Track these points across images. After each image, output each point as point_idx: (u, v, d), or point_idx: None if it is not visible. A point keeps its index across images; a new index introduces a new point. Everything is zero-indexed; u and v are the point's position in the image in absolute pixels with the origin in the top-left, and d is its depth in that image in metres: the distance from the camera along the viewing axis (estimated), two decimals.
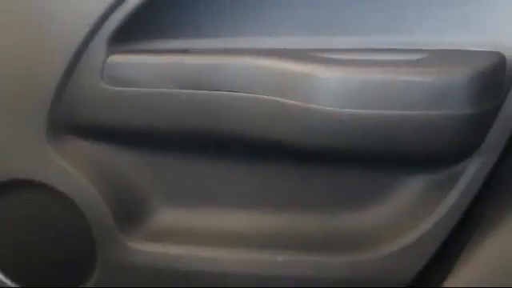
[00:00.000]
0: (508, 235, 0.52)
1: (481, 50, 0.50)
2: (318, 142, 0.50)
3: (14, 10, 0.53)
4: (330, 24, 0.52)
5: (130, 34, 0.53)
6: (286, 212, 0.57)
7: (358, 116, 0.48)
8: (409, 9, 0.51)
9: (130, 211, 0.59)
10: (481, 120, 0.50)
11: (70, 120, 0.55)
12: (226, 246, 0.57)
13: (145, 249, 0.58)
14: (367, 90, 0.48)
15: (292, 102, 0.49)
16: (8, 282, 0.62)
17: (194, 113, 0.52)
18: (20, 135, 0.56)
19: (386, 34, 0.51)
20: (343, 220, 0.57)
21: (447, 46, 0.51)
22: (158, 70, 0.53)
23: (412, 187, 0.56)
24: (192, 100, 0.51)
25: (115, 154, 0.57)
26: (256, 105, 0.50)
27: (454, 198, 0.53)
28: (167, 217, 0.60)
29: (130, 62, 0.53)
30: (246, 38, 0.54)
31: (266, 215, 0.58)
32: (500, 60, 0.50)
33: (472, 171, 0.53)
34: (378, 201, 0.56)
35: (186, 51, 0.52)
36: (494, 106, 0.50)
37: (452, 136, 0.50)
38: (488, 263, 0.53)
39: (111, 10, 0.52)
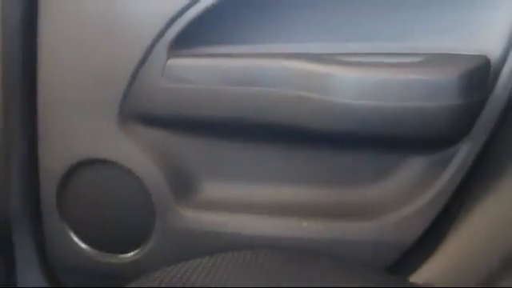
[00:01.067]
0: (493, 206, 0.64)
1: (469, 53, 0.62)
2: (335, 128, 0.63)
3: (97, 24, 0.66)
4: (346, 33, 0.64)
5: (186, 41, 0.65)
6: (309, 186, 0.70)
7: (368, 107, 0.60)
8: (410, 20, 0.63)
9: (183, 185, 0.72)
10: (468, 110, 0.61)
11: (136, 111, 0.69)
12: (261, 213, 0.70)
13: (194, 216, 0.71)
14: (376, 86, 0.60)
15: (314, 95, 0.61)
16: (82, 244, 0.76)
17: (236, 105, 0.65)
18: (97, 123, 0.69)
19: (391, 41, 0.63)
20: (354, 193, 0.69)
21: (441, 51, 0.62)
22: (208, 71, 0.65)
23: (411, 166, 0.68)
24: (236, 95, 0.64)
25: (171, 138, 0.70)
26: (286, 98, 0.63)
27: (447, 176, 0.65)
28: (212, 190, 0.72)
29: (185, 64, 0.66)
30: (279, 44, 0.66)
31: (293, 188, 0.70)
32: (485, 62, 0.61)
33: (463, 153, 0.64)
34: (383, 178, 0.68)
35: (230, 55, 0.65)
36: (479, 100, 0.62)
37: (445, 123, 0.61)
38: (475, 230, 0.65)
39: (170, 23, 0.64)
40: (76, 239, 0.75)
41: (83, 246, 0.76)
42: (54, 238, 0.76)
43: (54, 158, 0.72)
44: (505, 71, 0.61)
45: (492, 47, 0.61)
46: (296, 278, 0.55)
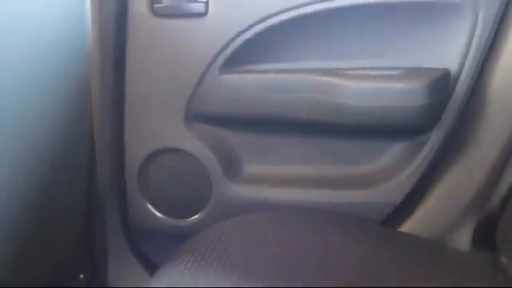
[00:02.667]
0: (455, 175, 0.88)
1: (434, 67, 0.87)
2: (338, 121, 0.88)
3: (172, 48, 0.92)
4: (345, 54, 0.89)
5: (233, 62, 0.91)
6: (320, 165, 0.95)
7: (360, 106, 0.85)
8: (390, 44, 0.88)
9: (232, 166, 0.97)
10: (433, 108, 0.86)
11: (197, 112, 0.95)
12: (288, 185, 0.95)
13: (240, 189, 0.96)
14: (365, 91, 0.86)
15: (324, 98, 0.87)
16: (156, 212, 1.02)
17: (270, 106, 0.90)
18: (169, 121, 0.95)
19: (376, 59, 0.88)
20: (352, 169, 0.94)
21: (413, 65, 0.87)
22: (250, 83, 0.91)
23: (394, 149, 0.93)
24: (270, 99, 0.90)
25: (223, 132, 0.96)
26: (306, 100, 0.88)
27: (422, 156, 0.89)
28: (253, 169, 0.98)
29: (232, 78, 0.92)
30: (300, 62, 0.91)
31: (310, 167, 0.95)
32: (446, 73, 0.86)
33: (433, 139, 0.88)
34: (372, 158, 0.93)
35: (266, 71, 0.91)
36: (442, 100, 0.86)
37: (417, 117, 0.86)
38: (443, 193, 0.89)
39: (221, 50, 0.90)
40: (151, 208, 1.01)
41: (157, 213, 1.01)
42: (135, 208, 1.02)
43: (137, 147, 0.98)
44: (461, 80, 0.86)
45: (451, 62, 0.86)
46: (319, 230, 0.79)
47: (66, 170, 0.86)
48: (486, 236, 0.80)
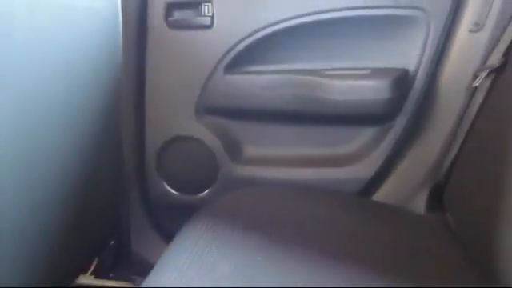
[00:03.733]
0: (413, 152, 1.09)
1: (395, 67, 1.08)
2: (323, 112, 1.09)
3: (184, 53, 1.12)
4: (328, 58, 1.10)
5: (235, 64, 1.11)
6: (309, 148, 1.16)
7: (340, 99, 1.06)
8: (361, 50, 1.09)
9: (234, 150, 1.18)
10: (396, 100, 1.07)
11: (206, 106, 1.15)
12: (283, 164, 1.15)
13: (241, 168, 1.16)
14: (343, 87, 1.06)
15: (312, 94, 1.07)
16: (171, 189, 1.22)
17: (267, 100, 1.10)
18: (182, 113, 1.14)
19: (351, 61, 1.09)
20: (334, 151, 1.15)
21: (379, 66, 1.08)
22: (249, 81, 1.11)
23: (365, 134, 1.14)
24: (267, 94, 1.10)
25: (227, 121, 1.16)
26: (297, 95, 1.09)
27: (387, 140, 1.10)
28: (252, 152, 1.18)
29: (235, 77, 1.12)
30: (292, 64, 1.11)
31: (300, 149, 1.16)
32: (406, 72, 1.07)
33: (397, 126, 1.10)
34: (350, 141, 1.14)
35: (263, 72, 1.11)
36: (403, 94, 1.07)
37: (384, 108, 1.07)
38: (405, 167, 1.11)
39: (225, 54, 1.10)
40: (167, 186, 1.21)
41: (172, 190, 1.21)
42: (154, 186, 1.22)
43: (155, 136, 1.18)
44: (417, 78, 1.07)
45: (410, 64, 1.07)
46: (306, 200, 0.99)
47: (99, 156, 1.06)
48: (436, 201, 1.02)
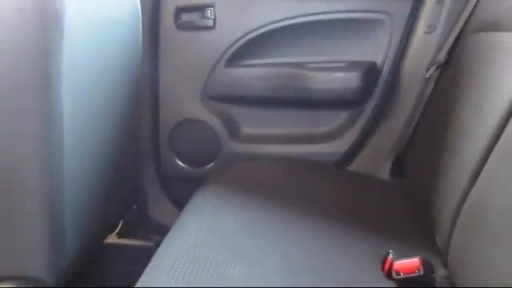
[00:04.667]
0: (382, 133, 1.34)
1: (366, 60, 1.31)
2: (307, 98, 1.33)
3: (191, 47, 1.35)
4: (312, 53, 1.33)
5: (234, 58, 1.34)
6: (297, 126, 1.39)
7: (322, 88, 1.30)
8: (338, 46, 1.32)
9: (234, 130, 1.41)
10: (367, 87, 1.31)
11: (210, 93, 1.38)
12: (273, 142, 1.39)
13: (239, 145, 1.40)
14: (324, 78, 1.30)
15: (297, 83, 1.31)
16: (181, 163, 1.45)
17: (262, 88, 1.33)
18: (191, 99, 1.38)
19: (331, 56, 1.33)
20: (314, 130, 1.38)
21: (353, 59, 1.32)
22: (246, 73, 1.35)
23: (341, 116, 1.38)
24: (261, 84, 1.33)
25: (227, 106, 1.39)
26: (287, 85, 1.32)
27: (360, 121, 1.34)
28: (249, 132, 1.42)
29: (234, 70, 1.35)
30: (282, 58, 1.35)
31: (290, 128, 1.39)
32: (374, 64, 1.31)
33: (367, 109, 1.34)
34: (327, 122, 1.37)
35: (258, 65, 1.34)
36: (372, 82, 1.31)
37: (356, 94, 1.31)
38: (373, 145, 1.35)
39: (226, 50, 1.33)
40: (178, 160, 1.44)
41: (181, 164, 1.44)
42: (166, 160, 1.45)
43: (168, 118, 1.41)
44: (384, 69, 1.31)
45: (377, 57, 1.31)
46: (293, 170, 1.24)
47: (123, 137, 1.28)
48: (397, 169, 1.28)
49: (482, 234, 0.77)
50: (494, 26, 0.97)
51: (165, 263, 0.82)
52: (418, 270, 0.81)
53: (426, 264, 0.83)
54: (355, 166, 1.37)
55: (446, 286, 0.84)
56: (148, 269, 0.83)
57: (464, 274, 0.81)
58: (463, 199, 0.83)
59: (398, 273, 0.82)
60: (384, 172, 1.32)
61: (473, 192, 0.81)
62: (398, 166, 1.28)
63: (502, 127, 0.79)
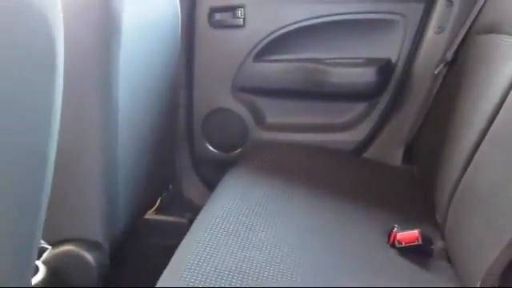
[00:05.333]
0: (394, 124, 1.48)
1: (381, 57, 1.44)
2: (326, 91, 1.47)
3: (223, 46, 1.50)
4: (328, 50, 1.47)
5: (262, 54, 1.48)
6: (316, 116, 1.53)
7: (338, 82, 1.44)
8: (354, 43, 1.45)
9: (260, 118, 1.55)
10: (381, 82, 1.44)
11: (239, 86, 1.52)
12: (294, 131, 1.53)
13: (264, 132, 1.54)
14: (340, 72, 1.44)
15: (317, 77, 1.45)
16: (212, 148, 1.61)
17: (285, 81, 1.48)
18: (223, 91, 1.52)
19: (346, 52, 1.46)
20: (332, 120, 1.51)
21: (369, 56, 1.45)
22: (272, 67, 1.49)
23: (357, 108, 1.51)
24: (285, 77, 1.47)
25: (254, 97, 1.54)
26: (307, 78, 1.46)
27: (375, 113, 1.48)
28: (273, 121, 1.56)
29: (262, 64, 1.50)
30: (302, 54, 1.49)
31: (310, 117, 1.54)
32: (389, 61, 1.44)
33: (382, 101, 1.47)
34: (344, 113, 1.51)
35: (281, 60, 1.49)
36: (386, 77, 1.44)
37: (371, 88, 1.45)
38: (386, 135, 1.49)
39: (255, 46, 1.48)
40: (209, 146, 1.59)
41: (213, 149, 1.59)
42: (199, 146, 1.60)
43: (201, 108, 1.56)
44: (398, 65, 1.44)
45: (392, 54, 1.44)
46: (313, 156, 1.38)
47: (163, 124, 1.44)
48: (408, 156, 1.41)
49: (473, 209, 0.91)
50: (496, 29, 1.10)
51: (205, 225, 0.98)
52: (418, 240, 0.96)
53: (424, 236, 0.97)
54: (370, 153, 1.50)
55: (443, 257, 0.98)
56: (191, 229, 0.99)
57: (457, 244, 0.95)
58: (459, 179, 0.97)
59: (399, 242, 0.96)
60: (396, 159, 1.45)
61: (467, 173, 0.95)
62: (408, 154, 1.42)
63: (492, 119, 0.92)
